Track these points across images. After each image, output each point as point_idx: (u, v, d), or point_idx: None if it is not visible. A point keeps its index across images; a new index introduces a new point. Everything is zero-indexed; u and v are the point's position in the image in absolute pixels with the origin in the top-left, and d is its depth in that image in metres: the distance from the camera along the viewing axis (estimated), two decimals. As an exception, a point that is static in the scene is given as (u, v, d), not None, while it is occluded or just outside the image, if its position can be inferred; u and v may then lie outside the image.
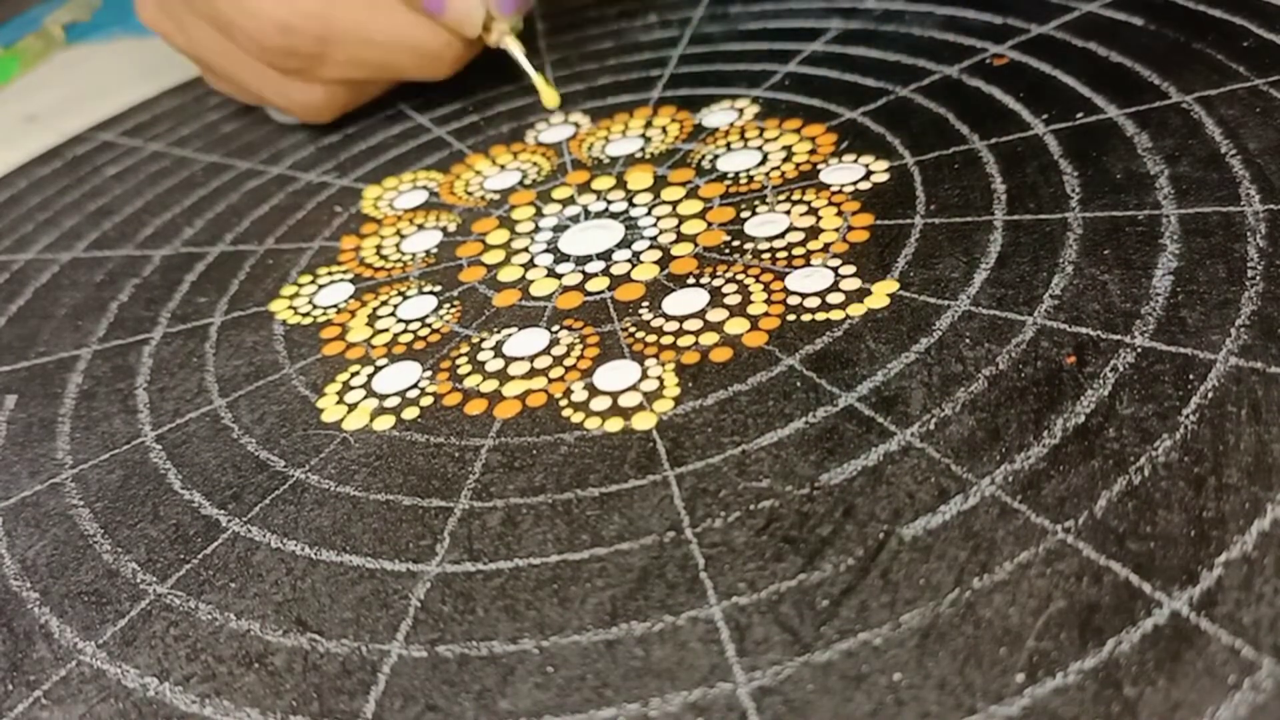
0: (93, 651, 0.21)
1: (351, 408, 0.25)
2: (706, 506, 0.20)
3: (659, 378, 0.24)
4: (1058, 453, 0.20)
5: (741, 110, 0.33)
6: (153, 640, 0.21)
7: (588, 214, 0.30)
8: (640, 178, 0.31)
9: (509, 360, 0.26)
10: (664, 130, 0.34)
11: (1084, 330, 0.22)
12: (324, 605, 0.20)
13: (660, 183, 0.31)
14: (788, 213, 0.28)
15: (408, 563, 0.21)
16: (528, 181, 0.33)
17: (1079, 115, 0.29)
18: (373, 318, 0.28)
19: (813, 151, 0.31)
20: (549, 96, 0.36)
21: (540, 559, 0.20)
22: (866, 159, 0.30)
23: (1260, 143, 0.26)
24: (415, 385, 0.26)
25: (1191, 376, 0.21)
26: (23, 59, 0.52)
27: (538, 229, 0.30)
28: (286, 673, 0.19)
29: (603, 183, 0.32)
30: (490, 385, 0.25)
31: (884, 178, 0.29)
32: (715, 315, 0.25)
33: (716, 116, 0.33)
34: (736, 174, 0.30)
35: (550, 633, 0.19)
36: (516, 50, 0.35)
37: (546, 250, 0.29)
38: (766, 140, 0.32)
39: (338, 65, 0.34)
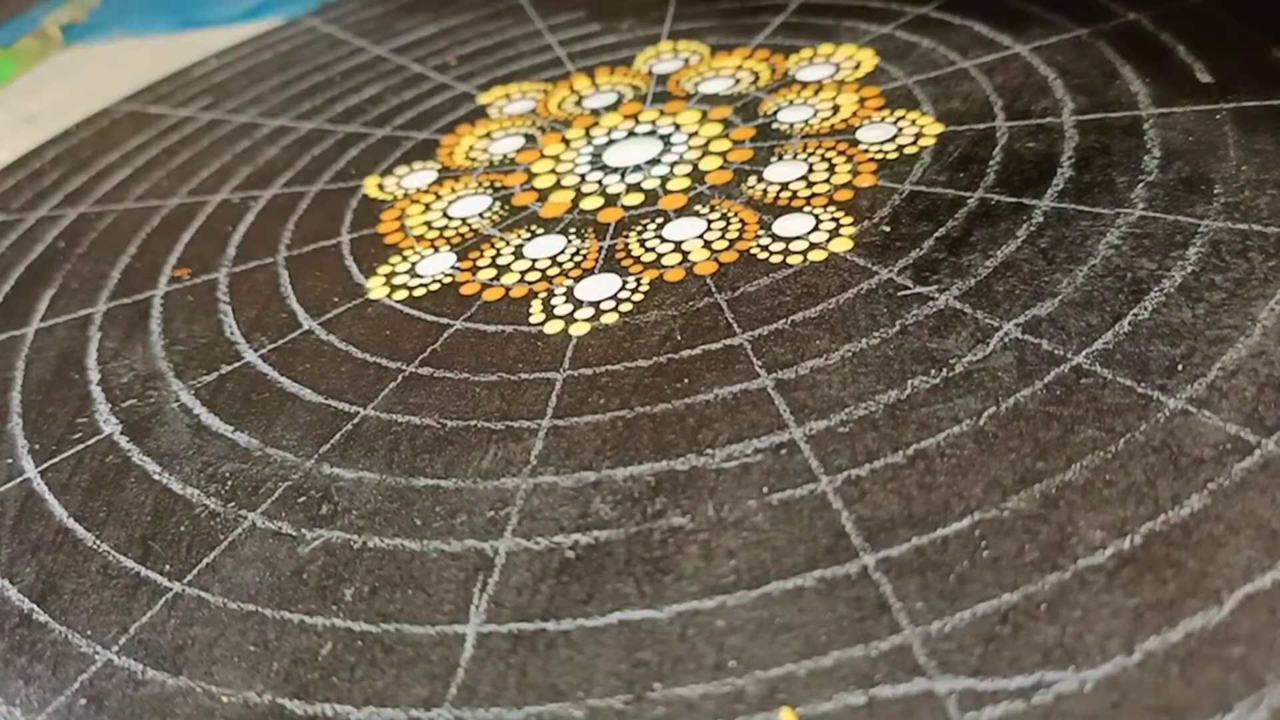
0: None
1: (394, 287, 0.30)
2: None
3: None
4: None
5: (839, 65, 0.35)
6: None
7: (631, 135, 0.33)
8: (691, 115, 0.34)
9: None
10: (755, 75, 0.35)
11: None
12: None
13: (704, 119, 0.33)
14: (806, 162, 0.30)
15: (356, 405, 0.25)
16: (606, 105, 0.36)
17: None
18: (427, 209, 0.32)
19: (854, 113, 0.32)
20: None
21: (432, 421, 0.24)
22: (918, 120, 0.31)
23: None
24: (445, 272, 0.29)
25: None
26: (21, 60, 0.51)
27: (589, 144, 0.33)
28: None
29: (650, 115, 0.34)
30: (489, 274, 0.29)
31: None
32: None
33: (812, 70, 0.35)
34: (791, 124, 0.32)
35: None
36: None
37: (590, 164, 0.32)
38: (841, 95, 0.33)
39: None
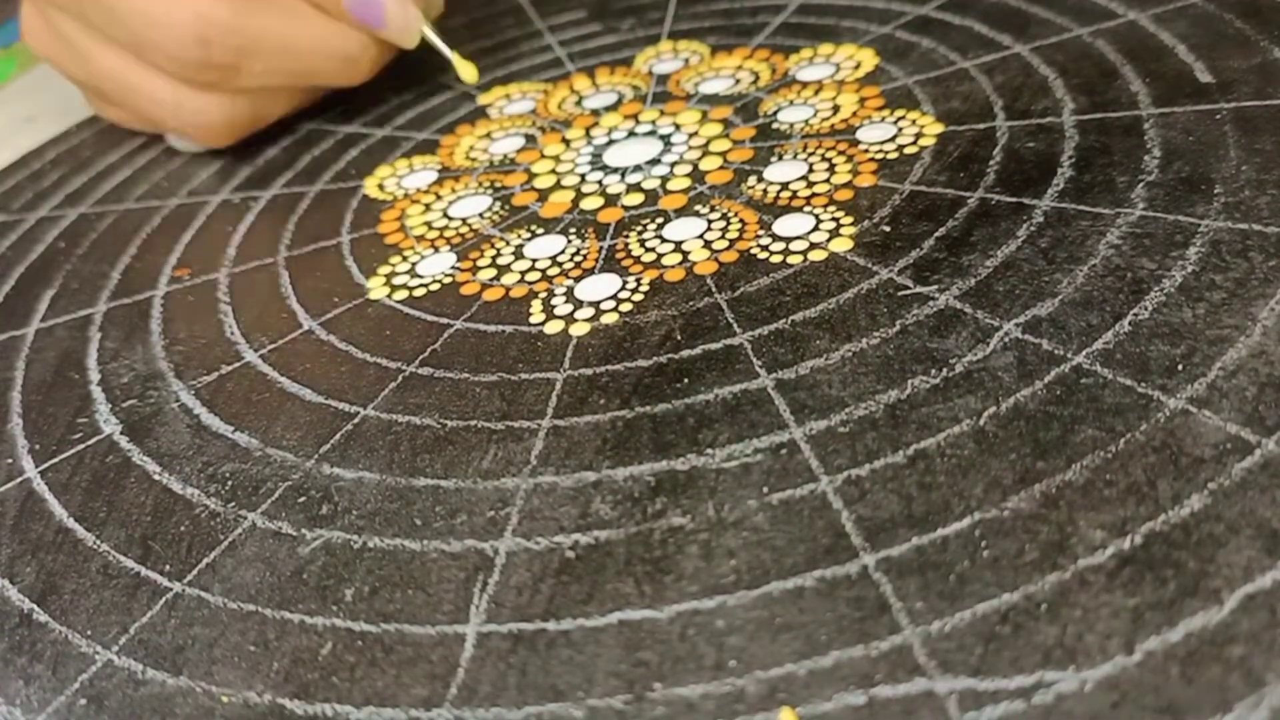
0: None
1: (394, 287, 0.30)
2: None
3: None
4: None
5: (839, 65, 0.35)
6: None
7: (631, 135, 0.33)
8: (691, 116, 0.34)
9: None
10: (755, 75, 0.35)
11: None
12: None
13: (704, 119, 0.33)
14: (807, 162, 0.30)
15: (355, 405, 0.25)
16: (608, 105, 0.36)
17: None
18: (428, 210, 0.32)
19: (855, 113, 0.32)
20: (468, 72, 0.37)
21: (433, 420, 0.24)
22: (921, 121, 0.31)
23: None
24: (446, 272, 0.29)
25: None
26: (21, 60, 0.51)
27: (589, 144, 0.33)
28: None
29: (650, 115, 0.34)
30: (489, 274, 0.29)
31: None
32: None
33: (812, 70, 0.35)
34: (791, 124, 0.32)
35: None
36: (431, 34, 0.36)
37: (590, 164, 0.32)
38: (841, 94, 0.33)
39: (254, 75, 0.34)
